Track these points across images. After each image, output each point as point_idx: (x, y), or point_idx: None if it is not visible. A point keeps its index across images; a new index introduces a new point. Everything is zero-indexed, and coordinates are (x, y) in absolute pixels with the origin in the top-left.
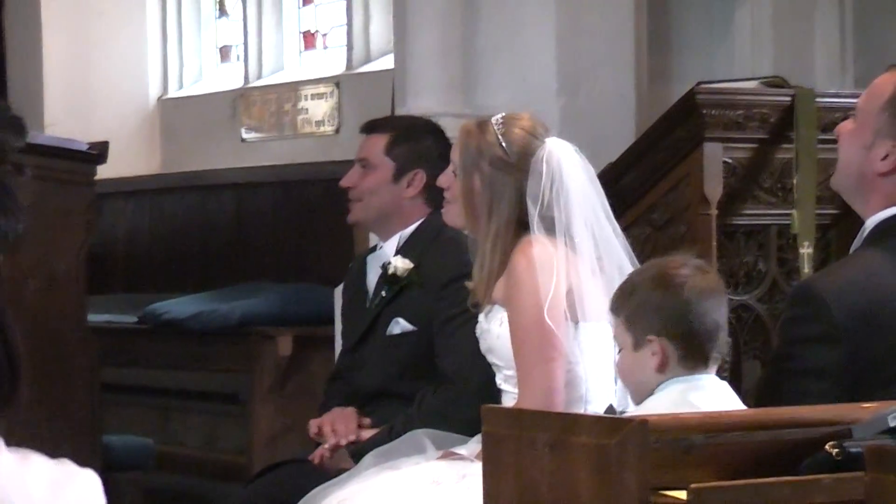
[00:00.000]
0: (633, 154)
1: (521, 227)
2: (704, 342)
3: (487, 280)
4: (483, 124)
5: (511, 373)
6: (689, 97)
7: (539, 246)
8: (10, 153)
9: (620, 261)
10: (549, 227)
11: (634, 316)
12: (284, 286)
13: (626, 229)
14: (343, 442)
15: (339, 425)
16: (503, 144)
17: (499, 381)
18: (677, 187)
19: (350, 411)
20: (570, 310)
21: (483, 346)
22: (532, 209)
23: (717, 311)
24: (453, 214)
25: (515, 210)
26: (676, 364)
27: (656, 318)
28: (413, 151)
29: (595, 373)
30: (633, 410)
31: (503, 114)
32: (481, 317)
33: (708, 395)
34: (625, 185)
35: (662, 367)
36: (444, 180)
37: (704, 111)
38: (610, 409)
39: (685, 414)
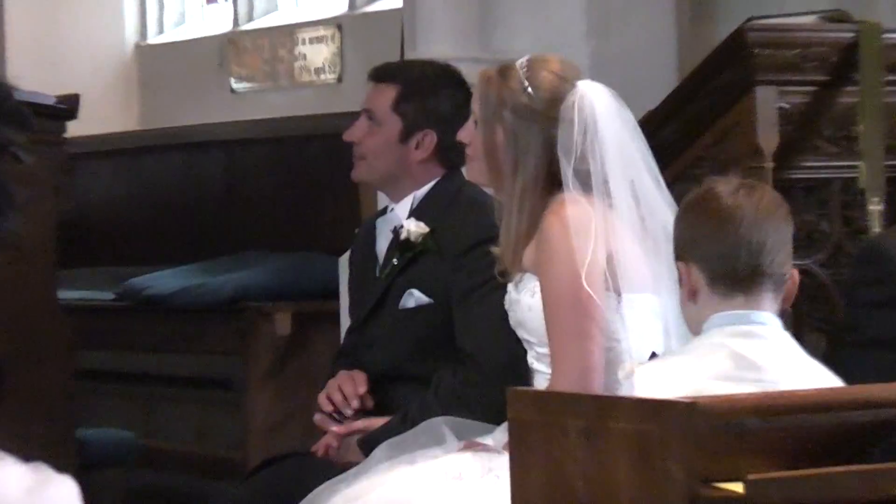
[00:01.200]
0: (675, 102)
1: (553, 184)
2: (732, 259)
3: (515, 245)
4: (505, 69)
5: (544, 350)
6: (737, 35)
7: (574, 205)
8: (10, 146)
9: (666, 221)
10: (585, 183)
11: (674, 240)
12: (282, 256)
13: (668, 187)
14: (353, 405)
15: (346, 387)
16: (528, 90)
17: (530, 359)
18: (726, 138)
19: (357, 373)
20: (612, 279)
21: (512, 320)
22: (564, 163)
23: (755, 228)
24: (476, 172)
25: (545, 164)
26: (708, 291)
27: (678, 241)
28: (424, 109)
29: (640, 352)
30: (648, 369)
31: (528, 56)
32: (510, 286)
33: (768, 347)
34: (665, 136)
35: (693, 296)
36: (464, 134)
37: (756, 51)
38: (628, 367)
39: (738, 395)
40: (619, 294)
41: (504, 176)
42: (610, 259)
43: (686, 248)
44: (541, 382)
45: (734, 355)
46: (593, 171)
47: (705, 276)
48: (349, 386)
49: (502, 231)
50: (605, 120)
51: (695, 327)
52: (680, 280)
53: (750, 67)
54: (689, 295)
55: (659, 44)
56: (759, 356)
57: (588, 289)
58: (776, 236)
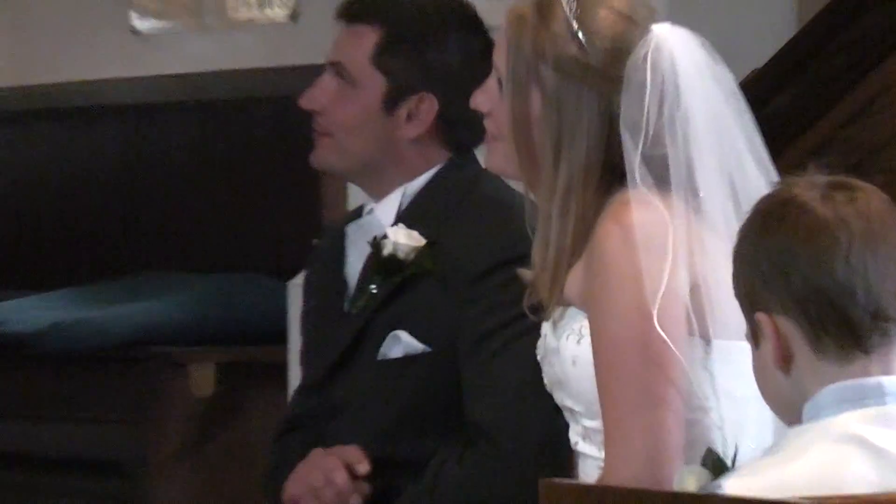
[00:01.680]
0: (791, 59)
1: (613, 176)
2: (843, 301)
3: (555, 266)
4: (545, 5)
5: (594, 424)
6: None
7: (643, 209)
8: None
9: None
10: (661, 176)
11: (737, 282)
12: (202, 279)
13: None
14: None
15: (337, 476)
16: (580, 36)
17: (574, 437)
18: (868, 111)
19: (351, 449)
20: (698, 319)
21: (549, 378)
22: (630, 145)
23: (869, 252)
24: (499, 157)
25: (601, 147)
26: (809, 353)
27: (757, 283)
28: (420, 62)
29: (739, 423)
30: (738, 483)
31: None
32: (546, 328)
33: None
34: (776, 110)
35: (784, 362)
36: (481, 100)
37: None
38: (710, 454)
39: (866, 496)
40: (708, 341)
41: (541, 163)
42: (696, 289)
43: (765, 291)
44: (589, 470)
45: (872, 453)
46: (672, 157)
47: (803, 332)
48: (342, 474)
49: (536, 246)
50: (693, 82)
51: (787, 409)
52: (755, 337)
53: None
54: (779, 361)
55: None
56: None
57: (662, 332)
58: None
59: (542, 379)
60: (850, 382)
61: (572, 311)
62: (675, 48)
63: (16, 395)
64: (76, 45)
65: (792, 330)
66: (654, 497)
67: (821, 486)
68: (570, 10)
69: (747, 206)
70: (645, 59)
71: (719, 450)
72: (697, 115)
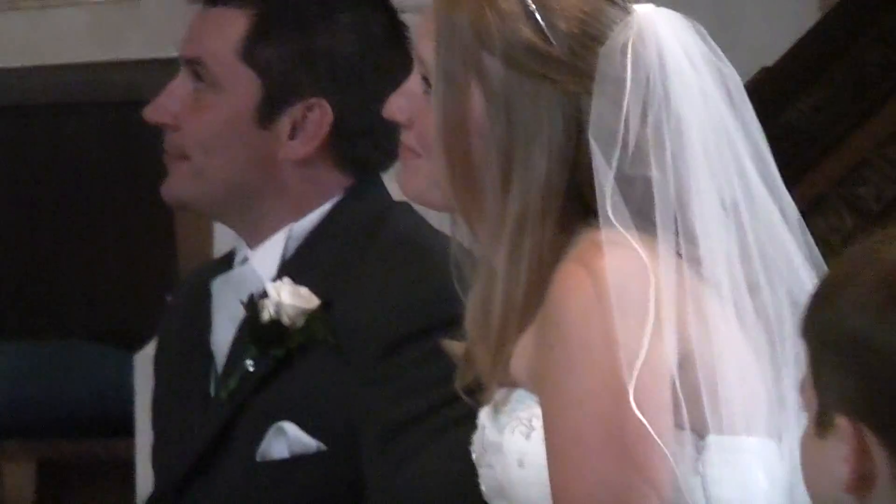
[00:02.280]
0: (812, 55)
1: (579, 205)
2: None
3: (500, 330)
4: None
5: None
6: None
7: (620, 253)
8: None
9: (799, 288)
10: (642, 207)
11: (815, 359)
12: (19, 348)
13: (802, 217)
14: None
15: None
16: (537, 15)
17: None
18: None
19: None
20: (688, 403)
21: (486, 484)
22: (602, 162)
23: None
24: (420, 179)
25: (565, 163)
26: (893, 483)
27: (852, 378)
28: (304, 53)
29: None
30: None
31: None
32: (483, 418)
33: None
34: (794, 120)
35: (861, 489)
36: (398, 105)
37: None
38: None
39: None
40: (701, 436)
41: (483, 187)
42: (687, 364)
43: (869, 397)
44: None
45: None
46: (658, 181)
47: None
48: None
49: (472, 304)
50: (687, 81)
51: None
52: (820, 427)
53: None
54: (855, 483)
55: None
56: None
57: (641, 417)
58: None
59: (473, 486)
60: None
61: (520, 393)
62: (663, 36)
63: None
64: None
65: (882, 455)
66: None
67: None
68: None
69: (758, 248)
70: (624, 48)
71: None
72: (692, 124)
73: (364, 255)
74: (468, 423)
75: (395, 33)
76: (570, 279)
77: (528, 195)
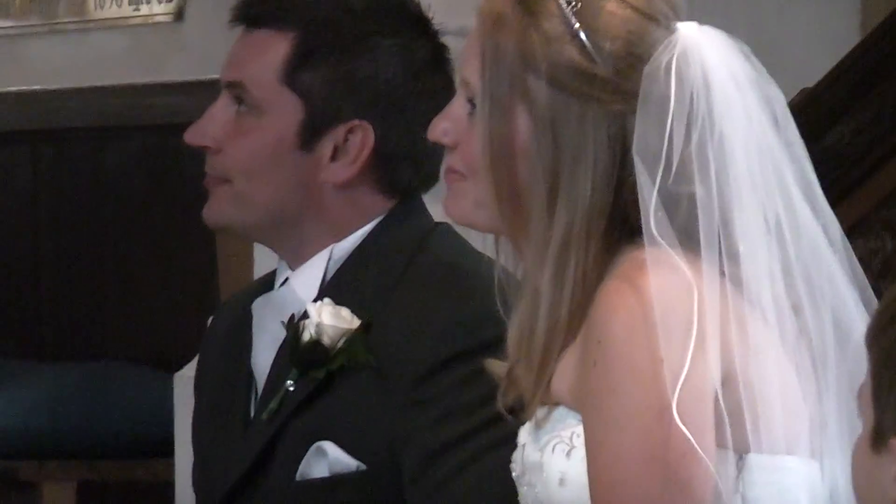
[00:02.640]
0: (854, 76)
1: (623, 226)
2: None
3: (544, 351)
4: None
5: None
6: None
7: (665, 272)
8: None
9: (842, 309)
10: (686, 226)
11: (879, 374)
12: (61, 370)
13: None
14: None
15: None
16: (581, 35)
17: None
18: None
19: None
20: (731, 423)
21: (527, 499)
22: (646, 180)
23: None
24: (467, 202)
25: (610, 184)
26: None
27: None
28: (349, 77)
29: None
30: None
31: None
32: (524, 437)
33: None
34: (834, 143)
35: None
36: (444, 128)
37: None
38: None
39: None
40: (742, 455)
41: (529, 208)
42: (730, 384)
43: None
44: None
45: None
46: (702, 198)
47: None
48: None
49: (516, 324)
50: (732, 100)
51: None
52: (877, 439)
53: None
54: None
55: None
56: None
57: (687, 433)
58: None
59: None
60: None
61: (560, 411)
62: (706, 55)
63: None
64: None
65: None
66: None
67: None
68: (568, 2)
69: (801, 270)
70: (668, 67)
71: None
72: (737, 143)
73: (405, 277)
74: (509, 445)
75: (437, 57)
76: (614, 297)
77: (573, 215)
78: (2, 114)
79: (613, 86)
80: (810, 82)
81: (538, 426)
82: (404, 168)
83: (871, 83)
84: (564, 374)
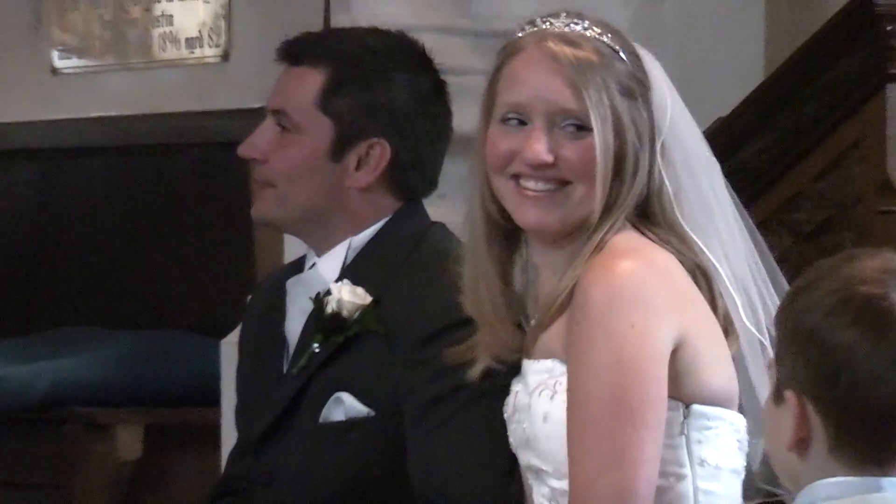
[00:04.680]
0: (759, 108)
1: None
2: (883, 426)
3: (554, 309)
4: (568, 36)
5: (562, 485)
6: (861, 5)
7: (636, 257)
8: None
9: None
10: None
11: (780, 343)
12: (128, 336)
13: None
14: None
15: None
16: (625, 58)
17: (538, 499)
18: (840, 166)
19: None
20: (681, 378)
21: (515, 437)
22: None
23: None
24: (589, 199)
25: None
26: (825, 452)
27: (801, 360)
28: (370, 104)
29: (712, 495)
30: None
31: (565, 13)
32: (515, 384)
33: None
34: (745, 160)
35: (800, 449)
36: (539, 148)
37: (889, 28)
38: None
39: None
40: (688, 405)
41: (617, 200)
42: (681, 347)
43: (806, 377)
44: None
45: None
46: (671, 177)
47: (828, 433)
48: None
49: (546, 299)
50: (677, 107)
51: (786, 475)
52: (777, 398)
53: (879, 55)
54: (795, 443)
55: (737, 15)
56: None
57: (648, 386)
58: None
59: (495, 445)
60: (851, 480)
61: (547, 364)
62: (657, 70)
63: None
64: None
65: (818, 423)
66: None
67: None
68: (592, 31)
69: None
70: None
71: None
72: (687, 137)
73: (407, 263)
74: (486, 398)
75: (438, 89)
76: (599, 271)
77: (634, 194)
78: (83, 133)
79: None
80: (725, 112)
81: (528, 376)
82: (412, 176)
83: (772, 113)
84: (558, 332)
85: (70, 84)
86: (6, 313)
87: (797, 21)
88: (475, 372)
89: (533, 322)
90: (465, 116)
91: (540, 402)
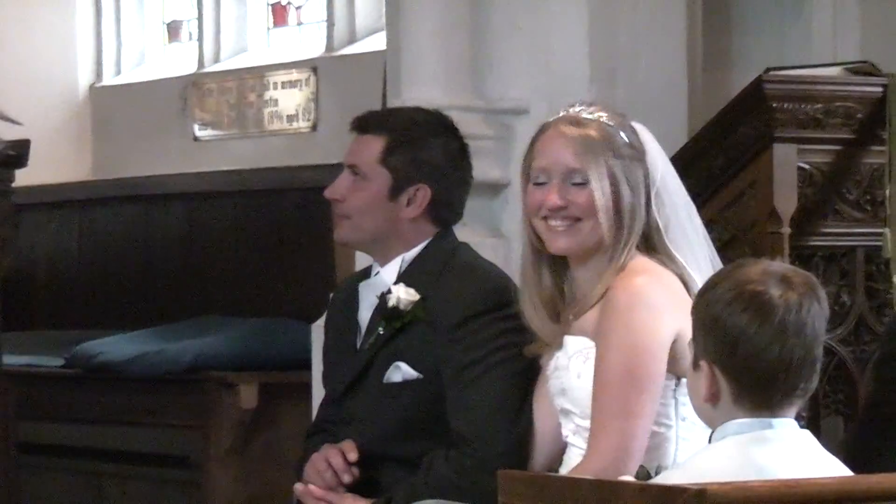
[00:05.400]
0: (685, 158)
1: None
2: (769, 383)
3: (590, 304)
4: (576, 119)
5: (585, 423)
6: (755, 87)
7: (649, 276)
8: None
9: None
10: (650, 238)
11: (695, 326)
12: (248, 321)
13: None
14: (345, 479)
15: (335, 459)
16: (622, 132)
17: (566, 432)
18: (740, 199)
19: (346, 443)
20: (676, 360)
21: (555, 387)
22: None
23: (796, 341)
24: (588, 234)
25: (646, 210)
26: (730, 402)
27: (710, 339)
28: (415, 160)
29: (687, 440)
30: (671, 472)
31: (580, 102)
32: (559, 352)
33: (780, 450)
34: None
35: (713, 400)
36: (553, 198)
37: (775, 104)
38: (642, 471)
39: (753, 483)
40: (679, 378)
41: (621, 231)
42: (678, 339)
43: (715, 351)
44: (573, 458)
45: (751, 464)
46: (662, 215)
47: (731, 389)
48: (338, 458)
49: (582, 298)
50: (664, 162)
51: (704, 417)
52: (695, 364)
53: (768, 123)
54: (709, 397)
55: (668, 93)
56: (776, 461)
57: (652, 365)
58: (817, 350)
59: (508, 399)
60: (749, 420)
61: (583, 340)
62: (648, 139)
63: (110, 406)
64: (151, 147)
65: (724, 382)
66: (582, 483)
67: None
68: (594, 115)
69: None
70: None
71: (670, 457)
72: (673, 188)
73: (444, 271)
74: (505, 364)
75: (464, 149)
76: (625, 282)
77: (635, 231)
78: (216, 182)
79: (640, 153)
80: None
81: (568, 346)
82: (446, 211)
83: (694, 163)
84: (592, 319)
85: (207, 148)
86: (165, 308)
87: (710, 101)
88: (500, 345)
89: (573, 314)
90: (478, 168)
91: (575, 364)
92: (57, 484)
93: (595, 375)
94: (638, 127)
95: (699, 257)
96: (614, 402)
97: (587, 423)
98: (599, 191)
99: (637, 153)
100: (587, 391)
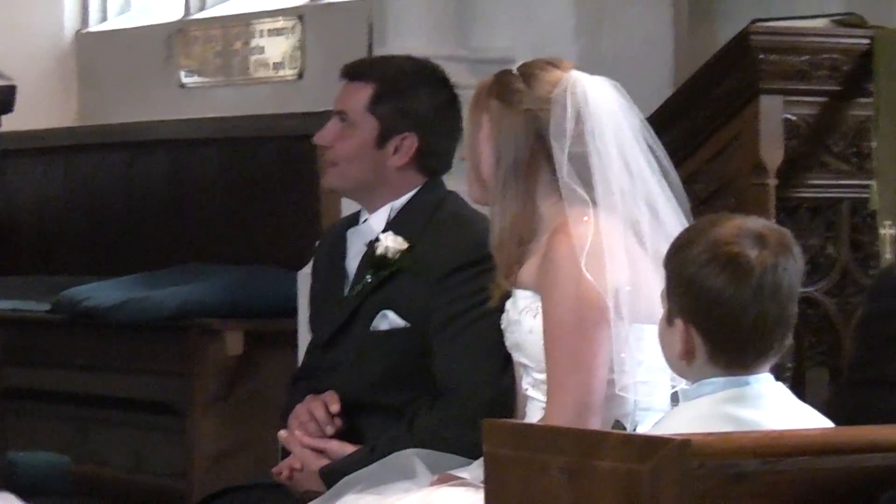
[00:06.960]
0: (670, 110)
1: (539, 171)
2: (744, 343)
3: (505, 247)
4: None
5: (541, 377)
6: (741, 39)
7: (582, 224)
8: None
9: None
10: (581, 172)
11: (669, 284)
12: (233, 269)
13: None
14: (328, 431)
15: (318, 411)
16: (519, 78)
17: (525, 385)
18: (725, 151)
19: (329, 394)
20: (625, 307)
21: (509, 342)
22: (556, 147)
23: (772, 301)
24: (475, 189)
25: (527, 148)
26: (705, 359)
27: (686, 299)
28: (403, 109)
29: (647, 384)
30: (649, 426)
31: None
32: (508, 305)
33: (759, 405)
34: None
35: (688, 357)
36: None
37: (761, 56)
38: (618, 426)
39: (737, 434)
40: (629, 324)
41: (489, 171)
42: (623, 287)
43: (691, 311)
44: (535, 411)
45: (731, 420)
46: (591, 156)
47: (706, 346)
48: (320, 410)
49: (494, 238)
50: (600, 105)
51: (679, 372)
52: (669, 321)
53: (754, 74)
54: (684, 355)
55: (654, 45)
56: (757, 415)
57: (594, 315)
58: (792, 308)
59: (494, 351)
60: (724, 378)
61: (525, 293)
62: (586, 83)
63: (96, 352)
64: (136, 94)
65: (699, 341)
66: (565, 433)
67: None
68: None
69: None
70: (566, 89)
71: (629, 406)
72: (607, 126)
73: (432, 220)
74: (489, 316)
75: (451, 99)
76: (559, 236)
77: (507, 168)
78: (201, 129)
79: (532, 96)
80: (646, 115)
81: (514, 301)
82: (433, 160)
83: (680, 115)
84: (530, 271)
85: (192, 95)
86: (149, 254)
87: (695, 53)
88: (485, 297)
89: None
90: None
91: (526, 319)
92: (41, 429)
93: (545, 332)
94: (583, 78)
95: (638, 211)
96: (566, 357)
97: (544, 377)
98: (466, 136)
99: (517, 95)
100: (540, 346)
